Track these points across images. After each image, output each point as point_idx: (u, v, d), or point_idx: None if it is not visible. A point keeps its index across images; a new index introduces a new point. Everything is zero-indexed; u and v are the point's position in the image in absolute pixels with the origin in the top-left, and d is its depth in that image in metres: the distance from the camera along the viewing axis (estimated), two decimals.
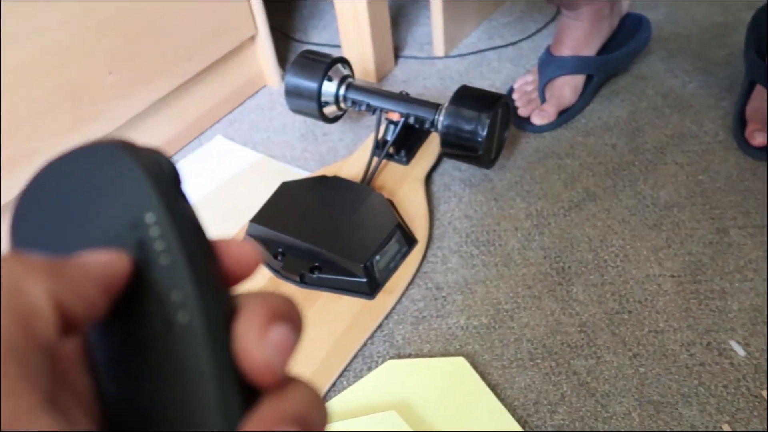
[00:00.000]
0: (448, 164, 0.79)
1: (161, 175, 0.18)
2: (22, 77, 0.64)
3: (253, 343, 0.17)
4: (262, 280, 0.66)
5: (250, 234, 0.68)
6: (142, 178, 0.18)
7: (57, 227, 0.18)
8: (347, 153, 0.83)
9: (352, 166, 0.77)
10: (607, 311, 0.61)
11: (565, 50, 0.82)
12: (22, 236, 0.18)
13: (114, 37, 0.71)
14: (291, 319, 0.17)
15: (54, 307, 0.15)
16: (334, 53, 0.93)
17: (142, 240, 0.17)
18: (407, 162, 0.76)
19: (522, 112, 0.82)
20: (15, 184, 0.67)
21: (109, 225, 0.18)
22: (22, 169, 0.67)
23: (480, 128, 0.66)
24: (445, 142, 0.69)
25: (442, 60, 0.98)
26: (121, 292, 0.17)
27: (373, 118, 0.87)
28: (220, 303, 0.17)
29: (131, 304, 0.17)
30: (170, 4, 0.76)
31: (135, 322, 0.17)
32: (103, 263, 0.17)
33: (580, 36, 0.81)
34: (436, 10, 0.94)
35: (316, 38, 1.08)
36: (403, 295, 0.65)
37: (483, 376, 0.57)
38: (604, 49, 0.84)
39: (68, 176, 0.18)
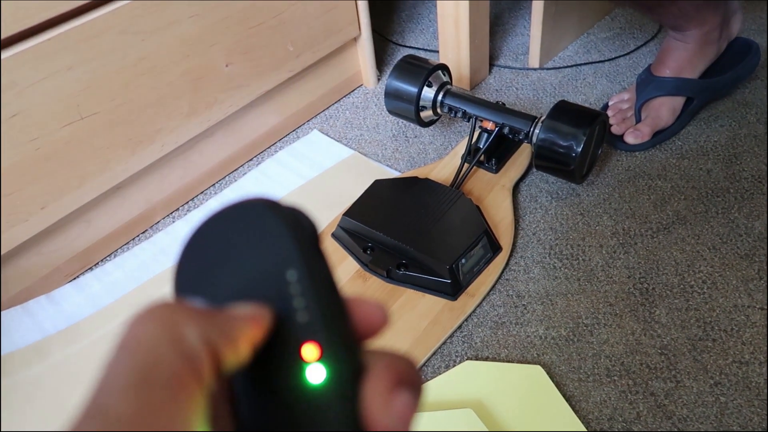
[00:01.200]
0: (536, 176, 0.80)
1: (303, 233, 0.20)
2: (153, 65, 0.70)
3: (380, 409, 0.18)
4: (350, 271, 0.70)
5: (342, 227, 0.72)
6: (286, 237, 0.20)
7: (211, 277, 0.21)
8: (436, 156, 0.86)
9: (442, 169, 0.80)
10: (690, 337, 0.61)
11: (667, 71, 0.81)
12: (181, 283, 0.21)
13: (233, 32, 0.77)
14: (414, 384, 0.19)
15: (208, 352, 0.17)
16: (431, 58, 0.96)
17: (283, 295, 0.19)
18: (497, 171, 0.78)
19: (615, 129, 0.82)
20: (140, 160, 0.74)
21: (256, 278, 0.20)
22: (145, 148, 0.74)
23: (576, 144, 0.67)
24: (538, 155, 0.70)
25: (536, 71, 0.99)
26: (262, 342, 0.19)
27: (464, 124, 0.89)
28: (350, 364, 0.19)
29: (271, 354, 0.19)
30: (285, 4, 0.81)
31: (272, 371, 0.19)
32: (249, 317, 0.19)
33: (685, 58, 0.80)
34: (536, 21, 0.95)
35: (412, 42, 1.11)
36: (484, 299, 0.67)
37: (558, 386, 0.58)
38: (707, 72, 0.83)
39: (222, 231, 0.21)
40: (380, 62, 1.05)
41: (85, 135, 0.67)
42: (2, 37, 0.58)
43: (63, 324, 0.68)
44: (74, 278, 0.75)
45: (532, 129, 0.71)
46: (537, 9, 0.94)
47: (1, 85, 0.59)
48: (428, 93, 0.78)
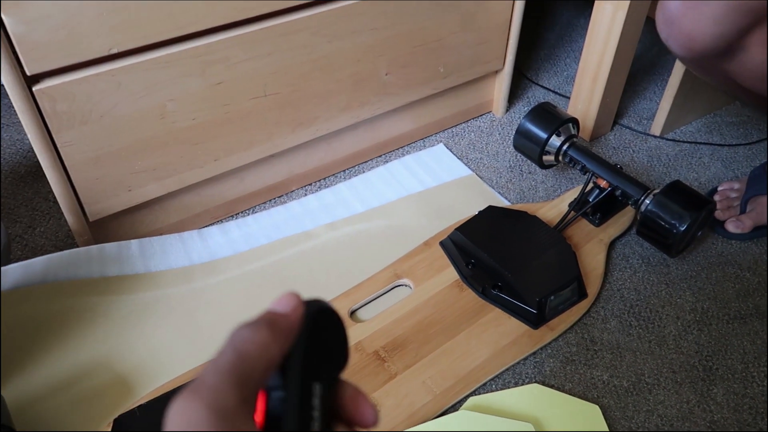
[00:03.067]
0: (633, 237, 0.87)
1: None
2: (329, 63, 0.82)
3: None
4: (449, 279, 0.79)
5: (452, 239, 0.82)
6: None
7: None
8: (545, 195, 0.94)
9: (549, 210, 0.88)
10: (740, 420, 0.67)
11: None
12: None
13: (399, 48, 0.87)
14: None
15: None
16: (560, 101, 1.04)
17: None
18: (599, 225, 0.86)
19: (719, 215, 0.88)
20: (297, 138, 0.86)
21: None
22: (303, 129, 0.86)
23: (680, 224, 0.73)
24: (642, 223, 0.77)
25: (656, 139, 1.05)
26: None
27: (576, 172, 0.97)
28: None
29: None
30: (448, 31, 0.90)
31: None
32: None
33: None
34: (669, 92, 1.01)
35: (545, 81, 1.18)
36: (561, 335, 0.75)
37: (610, 428, 0.66)
38: None
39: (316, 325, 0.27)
40: (511, 94, 1.13)
41: (263, 109, 0.80)
42: (232, 21, 0.71)
43: (207, 257, 0.82)
44: (219, 221, 0.89)
45: (642, 198, 0.79)
46: (673, 82, 1.00)
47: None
48: (555, 141, 0.86)
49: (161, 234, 0.84)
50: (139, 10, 0.64)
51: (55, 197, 0.93)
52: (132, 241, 0.80)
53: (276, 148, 0.86)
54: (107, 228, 0.81)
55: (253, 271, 0.81)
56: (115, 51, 0.66)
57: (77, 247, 0.78)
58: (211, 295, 0.77)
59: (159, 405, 0.63)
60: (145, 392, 0.67)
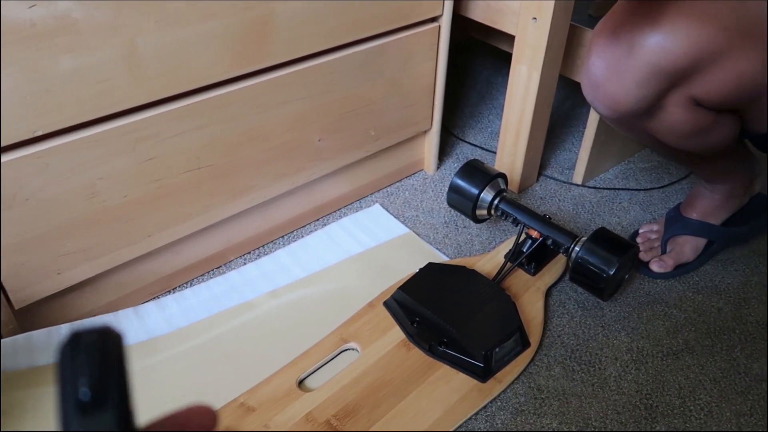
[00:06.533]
0: (567, 284, 0.91)
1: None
2: (262, 133, 0.83)
3: None
4: (395, 339, 0.80)
5: (395, 298, 0.83)
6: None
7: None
8: (480, 248, 0.97)
9: (486, 263, 0.91)
10: None
11: (694, 214, 0.92)
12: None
13: (330, 114, 0.89)
14: None
15: None
16: (487, 156, 1.08)
17: None
18: (534, 274, 0.89)
19: (642, 256, 0.93)
20: (233, 208, 0.86)
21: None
22: (239, 199, 0.85)
23: (608, 268, 0.77)
24: (574, 269, 0.81)
25: (578, 188, 1.11)
26: None
27: (508, 224, 1.00)
28: None
29: None
30: (377, 97, 0.94)
31: None
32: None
33: (711, 206, 0.92)
34: (586, 144, 1.08)
35: (471, 138, 1.24)
36: (509, 386, 0.76)
37: None
38: (729, 220, 0.94)
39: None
40: (441, 152, 1.18)
41: (198, 182, 0.80)
42: (161, 97, 0.71)
43: (144, 336, 0.79)
44: (156, 297, 0.86)
45: (572, 246, 0.82)
46: (589, 134, 1.07)
47: None
48: (486, 196, 0.89)
49: (94, 316, 0.80)
50: (64, 91, 0.63)
51: None
52: (62, 325, 0.76)
53: (212, 219, 0.85)
54: (34, 314, 0.76)
55: (194, 348, 0.78)
56: (40, 133, 0.64)
57: (1, 338, 0.73)
58: (149, 377, 0.74)
59: None
60: None
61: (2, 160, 0.63)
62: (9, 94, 0.60)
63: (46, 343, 0.73)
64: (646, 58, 0.60)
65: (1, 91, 0.60)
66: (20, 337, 0.72)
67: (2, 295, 0.70)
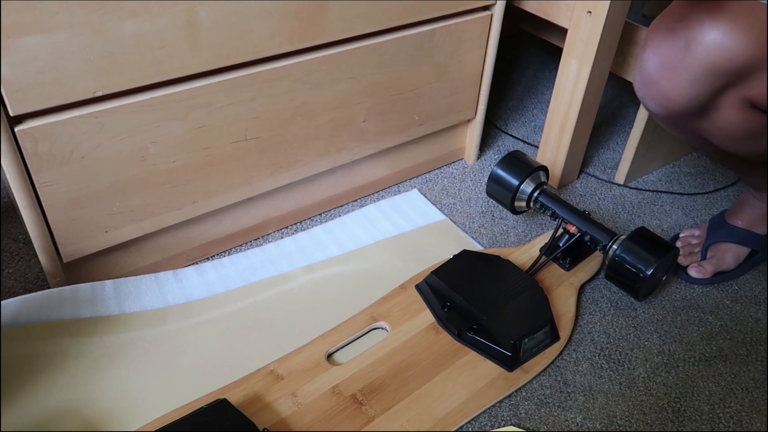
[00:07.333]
0: (601, 282, 0.90)
1: None
2: (310, 110, 0.84)
3: None
4: (425, 322, 0.80)
5: (428, 282, 0.83)
6: None
7: None
8: (516, 240, 0.97)
9: (521, 255, 0.91)
10: None
11: (739, 222, 0.90)
12: None
13: (377, 96, 0.90)
14: None
15: None
16: (529, 150, 1.08)
17: None
18: (569, 269, 0.88)
19: (682, 261, 0.92)
20: (275, 182, 0.87)
21: None
22: (282, 173, 0.87)
23: (646, 268, 0.77)
24: (611, 267, 0.80)
25: (620, 187, 1.10)
26: None
27: (546, 218, 1.00)
28: None
29: None
30: (424, 82, 0.94)
31: None
32: None
33: (758, 214, 0.90)
34: (632, 143, 1.06)
35: (514, 131, 1.23)
36: (535, 378, 0.76)
37: None
38: None
39: None
40: (482, 143, 1.17)
41: (244, 153, 0.81)
42: (217, 67, 0.73)
43: (182, 299, 0.81)
44: (195, 263, 0.88)
45: (610, 243, 0.82)
46: (635, 133, 1.05)
47: None
48: (526, 188, 0.89)
49: (136, 275, 0.83)
50: (126, 55, 0.66)
51: (24, 239, 0.91)
52: (106, 281, 0.79)
53: (254, 192, 0.86)
54: (81, 269, 0.80)
55: (229, 314, 0.80)
56: (99, 94, 0.67)
57: (49, 288, 0.77)
58: (185, 338, 0.77)
59: None
60: None
61: (62, 118, 0.66)
62: (73, 54, 0.63)
63: (90, 296, 0.77)
64: (702, 56, 0.59)
65: (67, 51, 0.62)
66: (67, 289, 0.75)
67: (52, 248, 0.74)
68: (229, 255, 0.91)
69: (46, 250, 0.73)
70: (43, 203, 0.70)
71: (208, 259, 0.90)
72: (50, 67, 0.62)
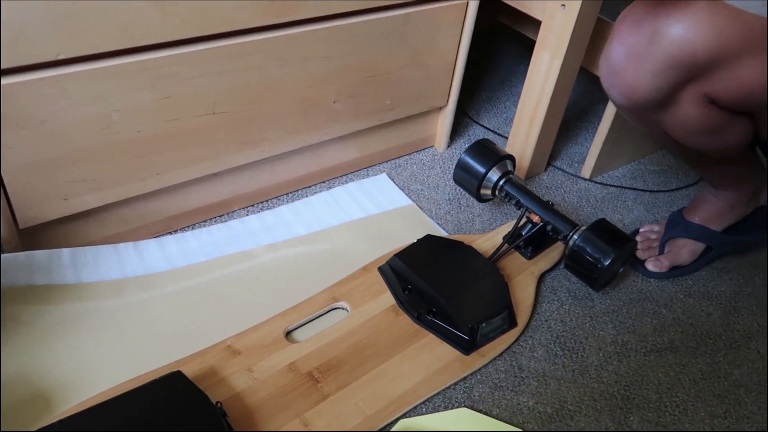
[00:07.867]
0: (561, 272, 0.92)
1: None
2: (281, 86, 0.83)
3: None
4: (386, 304, 0.81)
5: (390, 265, 0.84)
6: None
7: None
8: (481, 227, 0.98)
9: (485, 242, 0.92)
10: None
11: (696, 218, 0.93)
12: None
13: (349, 78, 0.90)
14: None
15: None
16: (499, 140, 1.08)
17: None
18: (530, 258, 0.90)
19: (640, 255, 0.94)
20: (242, 158, 0.87)
21: None
22: (250, 150, 0.87)
23: (604, 259, 0.78)
24: (570, 257, 0.82)
25: (585, 182, 1.11)
26: None
27: (511, 208, 1.01)
28: None
29: None
30: (397, 66, 0.94)
31: None
32: None
33: (714, 211, 0.92)
34: (599, 138, 1.08)
35: (486, 122, 1.24)
36: (491, 362, 0.78)
37: None
38: (730, 229, 0.94)
39: None
40: (453, 131, 1.18)
41: (211, 127, 0.81)
42: (186, 37, 0.72)
43: (142, 271, 0.80)
44: (157, 236, 0.87)
45: (571, 234, 0.83)
46: (603, 129, 1.07)
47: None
48: (493, 176, 0.90)
49: (94, 245, 0.82)
50: (92, 17, 0.64)
51: None
52: (63, 249, 0.78)
53: (221, 167, 0.86)
54: (38, 237, 0.78)
55: (190, 288, 0.80)
56: (62, 57, 0.65)
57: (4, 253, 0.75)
58: (143, 310, 0.76)
59: (80, 420, 0.61)
60: (66, 408, 0.65)
61: (22, 79, 0.64)
62: (36, 14, 0.61)
63: (46, 263, 0.75)
64: (666, 48, 0.61)
65: (28, 9, 0.61)
66: (22, 255, 0.74)
67: (8, 214, 0.72)
68: (192, 230, 0.90)
69: (2, 215, 0.72)
70: (0, 167, 0.68)
71: (170, 233, 0.89)
72: (10, 25, 0.60)
